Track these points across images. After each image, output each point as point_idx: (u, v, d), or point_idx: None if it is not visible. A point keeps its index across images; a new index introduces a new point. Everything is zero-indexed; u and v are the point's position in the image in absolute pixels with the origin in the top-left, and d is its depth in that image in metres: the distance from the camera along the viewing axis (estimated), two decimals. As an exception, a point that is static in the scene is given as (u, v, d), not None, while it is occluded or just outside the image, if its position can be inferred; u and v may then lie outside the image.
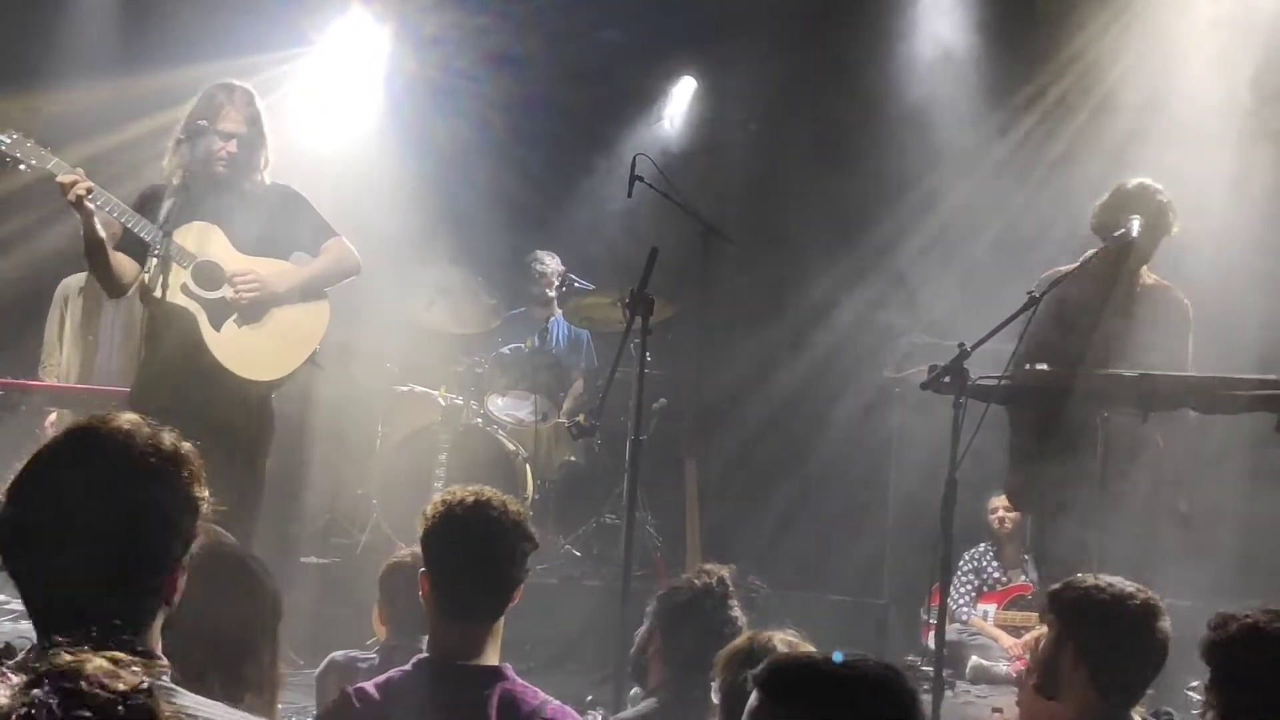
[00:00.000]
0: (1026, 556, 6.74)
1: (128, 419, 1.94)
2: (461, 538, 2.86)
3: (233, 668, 2.61)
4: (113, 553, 1.85)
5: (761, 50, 8.31)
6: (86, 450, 1.90)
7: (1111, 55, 6.91)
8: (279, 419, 5.10)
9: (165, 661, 1.47)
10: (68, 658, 1.38)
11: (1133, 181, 5.03)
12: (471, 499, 2.91)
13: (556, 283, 7.86)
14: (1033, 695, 3.06)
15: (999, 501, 6.74)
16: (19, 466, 1.90)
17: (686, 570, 6.32)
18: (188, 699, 1.83)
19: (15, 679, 1.37)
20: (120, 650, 1.66)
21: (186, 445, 1.95)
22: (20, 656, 1.42)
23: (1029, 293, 4.37)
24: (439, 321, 7.11)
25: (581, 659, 6.14)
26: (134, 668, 1.39)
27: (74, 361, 6.80)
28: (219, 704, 1.93)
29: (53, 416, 6.66)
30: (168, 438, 1.94)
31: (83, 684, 1.36)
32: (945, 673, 5.06)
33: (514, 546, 2.89)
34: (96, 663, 1.37)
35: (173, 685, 1.84)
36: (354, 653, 3.99)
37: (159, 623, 1.93)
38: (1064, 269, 4.85)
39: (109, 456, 1.88)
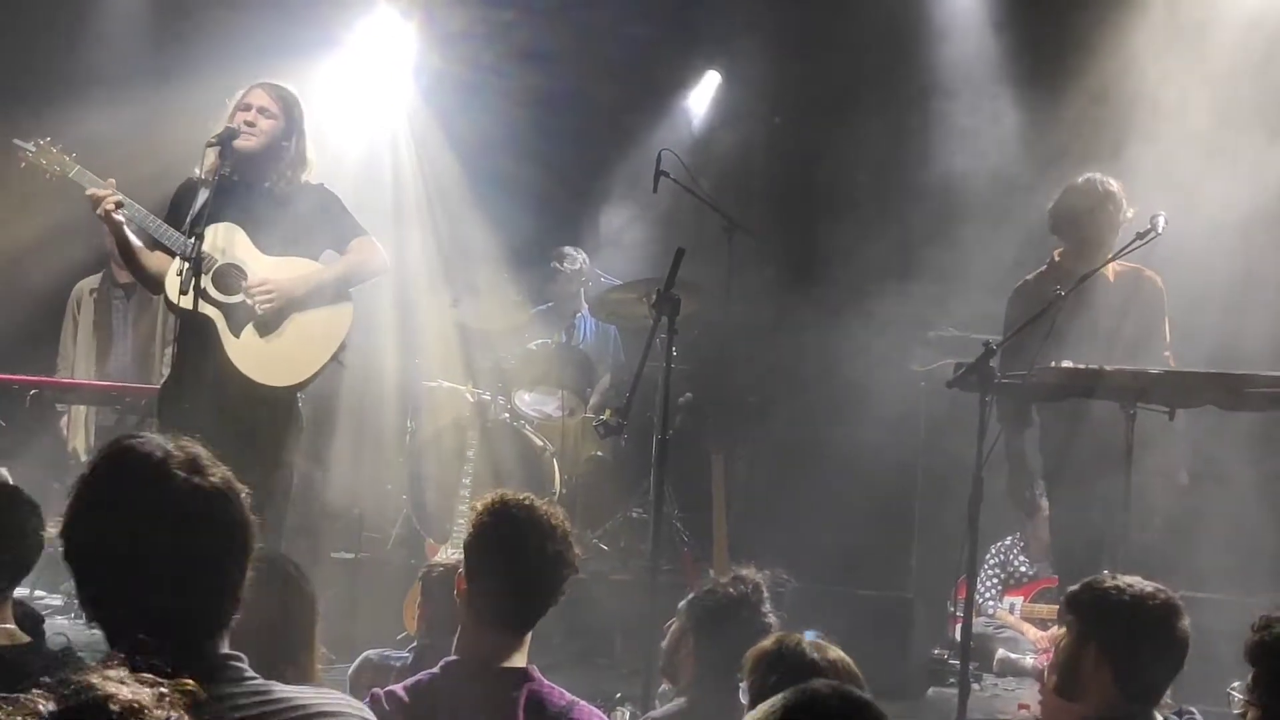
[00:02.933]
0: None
1: (155, 440, 1.95)
2: (508, 554, 2.89)
3: (272, 669, 2.66)
4: (188, 577, 1.87)
5: (787, 43, 8.31)
6: (117, 470, 1.91)
7: (1139, 51, 6.87)
8: (307, 417, 5.16)
9: (191, 684, 1.49)
10: (94, 679, 1.39)
11: (1080, 178, 5.19)
12: (525, 515, 2.92)
13: (583, 278, 7.90)
14: (1053, 697, 3.07)
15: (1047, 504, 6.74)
16: (72, 488, 1.92)
17: (714, 565, 6.38)
18: (280, 689, 1.89)
19: (45, 706, 1.38)
20: (197, 658, 1.72)
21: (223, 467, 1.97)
22: (55, 680, 1.43)
23: (1055, 289, 4.38)
24: (466, 317, 7.16)
25: (609, 654, 6.18)
26: (160, 688, 1.41)
27: (89, 360, 6.89)
28: (308, 688, 1.99)
29: (66, 418, 6.76)
30: (198, 458, 1.95)
31: None
32: (971, 666, 5.08)
33: (559, 573, 2.92)
34: (124, 695, 1.38)
35: (257, 679, 1.90)
36: (387, 651, 4.04)
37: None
38: (1033, 275, 4.93)
39: (142, 476, 1.89)
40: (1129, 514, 4.47)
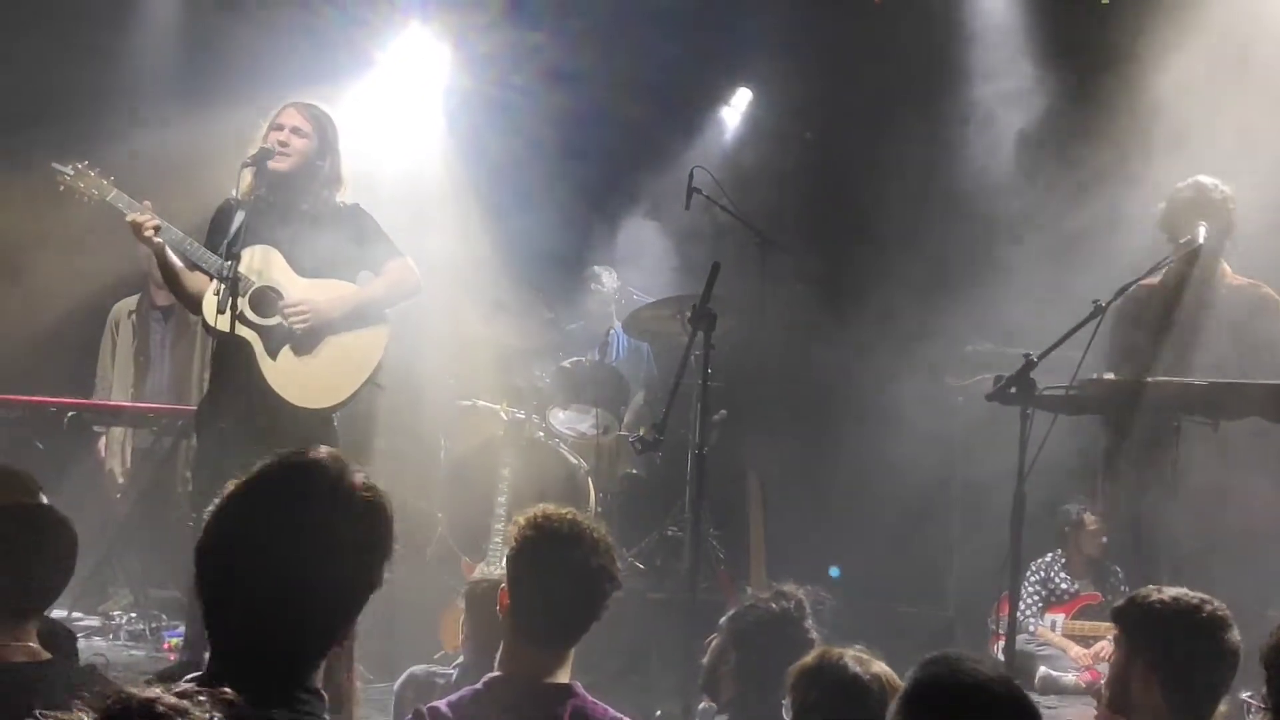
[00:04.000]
0: (1116, 568, 6.67)
1: (331, 454, 1.94)
2: (551, 568, 2.87)
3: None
4: (312, 589, 1.85)
5: (818, 60, 8.30)
6: (298, 480, 1.90)
7: (1178, 64, 6.83)
8: (342, 436, 5.16)
9: (229, 693, 1.48)
10: (135, 691, 1.39)
11: (1188, 182, 5.04)
12: (567, 529, 2.90)
13: (615, 296, 7.90)
14: (1107, 713, 3.04)
15: (1091, 520, 6.68)
16: (223, 495, 1.90)
17: (751, 582, 6.35)
18: None
19: (88, 717, 1.38)
20: (290, 688, 1.71)
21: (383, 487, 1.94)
22: (112, 693, 1.43)
23: (1095, 301, 4.33)
24: (499, 336, 7.16)
25: (646, 672, 6.13)
26: (199, 695, 1.41)
27: (127, 382, 6.93)
28: None
29: (104, 439, 6.78)
30: (367, 477, 1.93)
31: None
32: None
33: (602, 588, 2.91)
34: (167, 700, 1.39)
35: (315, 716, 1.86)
36: (434, 667, 4.03)
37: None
38: (1140, 280, 4.83)
39: (324, 487, 1.88)
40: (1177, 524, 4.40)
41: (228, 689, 1.56)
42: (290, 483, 1.90)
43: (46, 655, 2.95)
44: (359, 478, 1.92)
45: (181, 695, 1.41)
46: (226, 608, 1.84)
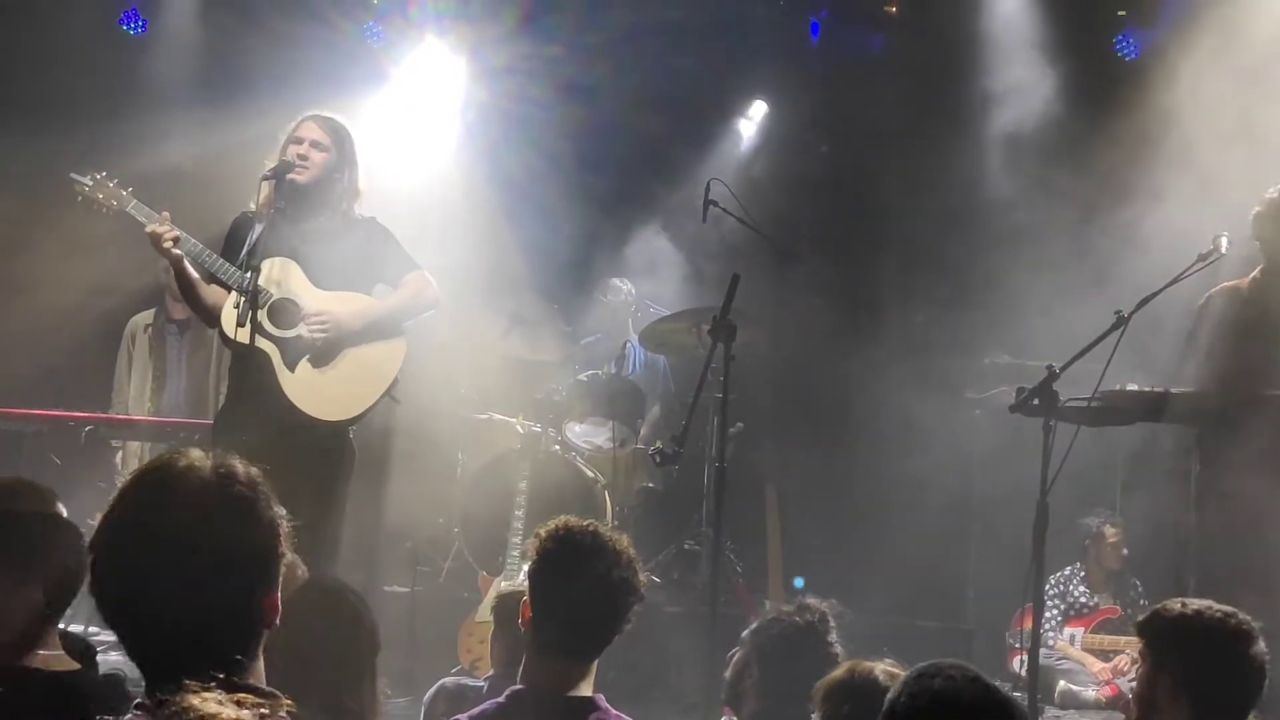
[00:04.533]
0: (1136, 581, 6.64)
1: (195, 453, 1.92)
2: (572, 580, 2.85)
3: (334, 699, 2.64)
4: (210, 588, 1.83)
5: (833, 72, 8.30)
6: (164, 488, 1.88)
7: (1192, 75, 6.82)
8: (360, 450, 5.15)
9: (288, 701, 1.48)
10: (195, 701, 1.38)
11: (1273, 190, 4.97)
12: (589, 541, 2.89)
13: (631, 309, 7.89)
14: (1134, 729, 3.01)
15: (1112, 532, 6.65)
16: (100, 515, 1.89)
17: (769, 596, 6.33)
18: None
19: None
20: (234, 689, 1.67)
21: (254, 469, 1.93)
22: (146, 699, 1.42)
23: (1117, 313, 4.30)
24: (516, 349, 7.16)
25: (665, 687, 6.11)
26: (261, 709, 1.40)
27: (142, 395, 6.92)
28: None
29: (121, 454, 6.77)
30: (239, 464, 1.91)
31: None
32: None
33: (625, 600, 2.89)
34: (226, 715, 1.38)
35: None
36: (464, 679, 4.02)
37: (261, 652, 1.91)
38: (1229, 284, 4.79)
39: (188, 492, 1.86)
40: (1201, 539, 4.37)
41: (287, 700, 1.55)
42: (155, 489, 1.89)
43: (75, 664, 2.95)
44: (222, 468, 1.89)
45: (240, 705, 1.40)
46: (123, 617, 1.83)
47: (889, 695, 2.16)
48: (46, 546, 2.97)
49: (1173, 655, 2.99)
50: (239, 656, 1.79)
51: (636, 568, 2.93)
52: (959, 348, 7.54)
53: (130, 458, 6.87)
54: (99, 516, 1.89)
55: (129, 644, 1.83)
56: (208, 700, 1.39)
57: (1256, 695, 3.00)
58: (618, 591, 2.88)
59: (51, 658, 2.88)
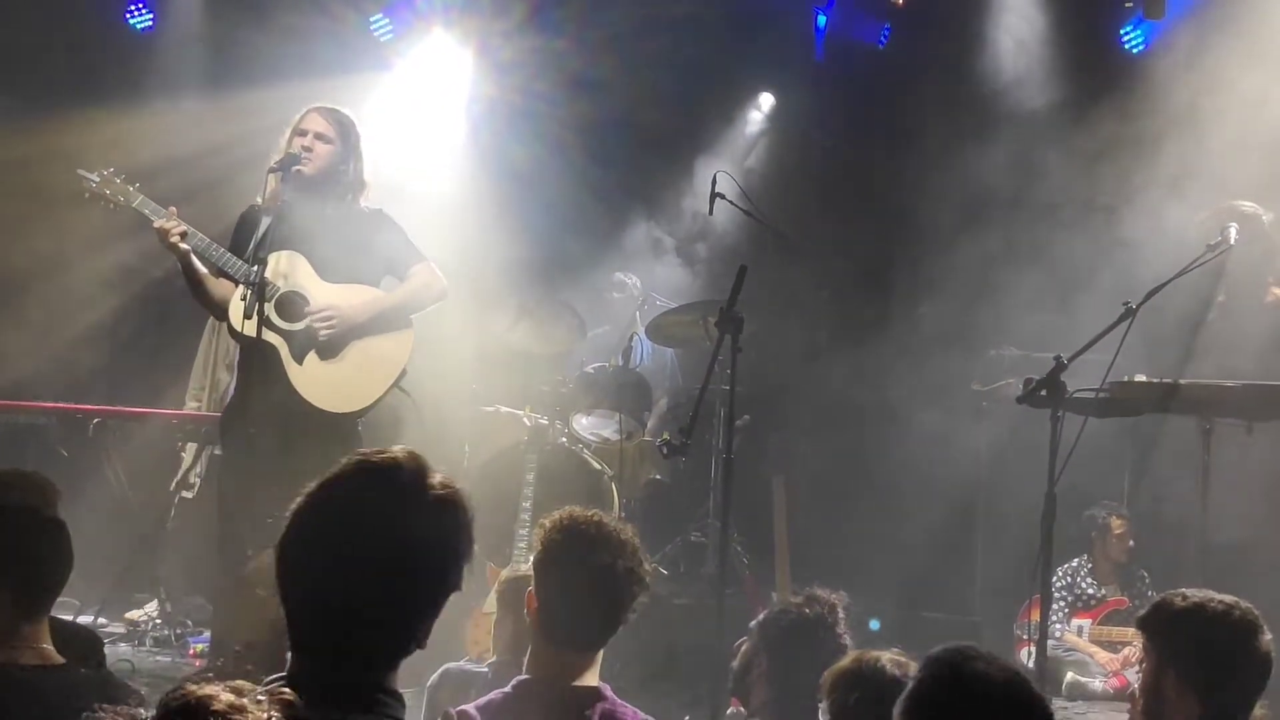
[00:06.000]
0: (1144, 573, 6.63)
1: (409, 453, 1.94)
2: (577, 570, 2.86)
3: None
4: (394, 585, 1.86)
5: (840, 65, 8.29)
6: (374, 480, 1.89)
7: (1203, 67, 6.80)
8: (368, 442, 5.16)
9: (287, 691, 1.48)
10: (193, 687, 1.39)
11: (1235, 203, 5.07)
12: (594, 531, 2.89)
13: (638, 302, 7.89)
14: (1141, 718, 3.01)
15: (1119, 523, 6.64)
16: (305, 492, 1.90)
17: (776, 589, 6.32)
18: None
19: (145, 715, 1.39)
20: (368, 688, 1.72)
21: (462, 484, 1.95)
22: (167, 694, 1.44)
23: (1125, 304, 4.30)
24: (523, 342, 7.16)
25: (672, 678, 6.10)
26: (258, 695, 1.41)
27: (215, 386, 6.89)
28: None
29: (191, 449, 6.74)
30: (445, 475, 1.94)
31: None
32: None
33: (630, 590, 2.89)
34: (224, 698, 1.38)
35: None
36: (467, 665, 4.02)
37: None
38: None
39: (400, 487, 1.89)
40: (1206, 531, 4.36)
41: (288, 689, 1.56)
42: (367, 483, 1.90)
43: (60, 660, 2.94)
44: (437, 478, 1.93)
45: (238, 692, 1.41)
46: (305, 607, 1.85)
47: (914, 673, 2.18)
48: (20, 544, 2.96)
49: (1178, 649, 2.99)
50: (378, 660, 1.84)
51: (641, 558, 2.93)
52: (966, 339, 7.53)
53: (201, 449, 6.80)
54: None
55: (308, 638, 1.83)
56: (206, 686, 1.40)
57: (1263, 684, 3.00)
58: (622, 581, 2.88)
59: (32, 653, 2.88)
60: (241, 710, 1.39)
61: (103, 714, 1.39)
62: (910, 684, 2.18)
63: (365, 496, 1.88)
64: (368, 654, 1.83)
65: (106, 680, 3.02)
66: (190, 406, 6.85)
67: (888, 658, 2.75)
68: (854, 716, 2.67)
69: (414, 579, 1.87)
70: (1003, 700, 2.10)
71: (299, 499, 1.90)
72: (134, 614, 6.50)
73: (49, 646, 2.93)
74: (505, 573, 5.95)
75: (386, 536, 1.85)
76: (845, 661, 2.81)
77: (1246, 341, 4.91)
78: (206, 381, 6.89)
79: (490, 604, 5.64)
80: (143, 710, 1.39)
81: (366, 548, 1.83)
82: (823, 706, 2.75)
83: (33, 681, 2.81)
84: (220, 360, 6.82)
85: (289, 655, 1.87)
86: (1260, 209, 5.08)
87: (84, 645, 3.28)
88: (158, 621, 6.42)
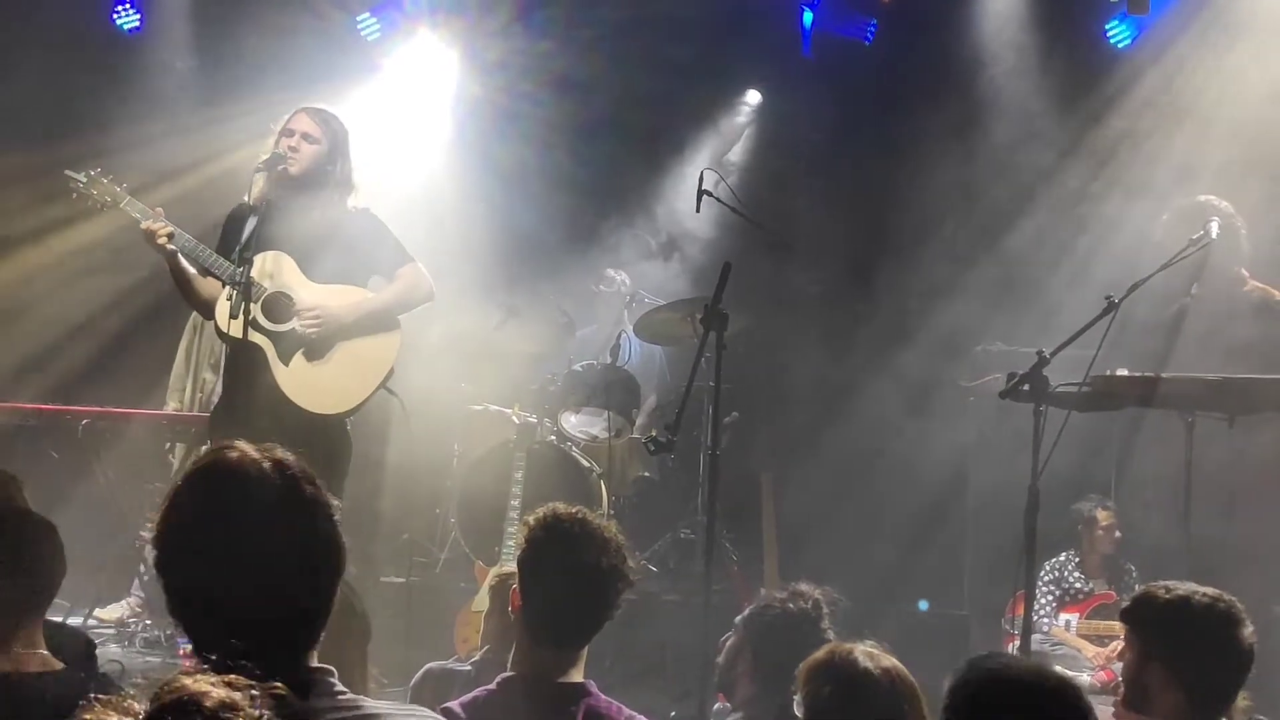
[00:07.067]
0: (1130, 567, 6.65)
1: (244, 446, 1.94)
2: (561, 567, 2.87)
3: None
4: (284, 586, 1.87)
5: (827, 63, 8.30)
6: (226, 481, 1.90)
7: (1184, 65, 6.84)
8: (355, 442, 5.17)
9: (279, 685, 1.50)
10: (187, 682, 1.40)
11: (1196, 198, 5.12)
12: (577, 528, 2.90)
13: (626, 299, 7.90)
14: (1124, 710, 3.03)
15: (1105, 515, 6.66)
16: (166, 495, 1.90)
17: (765, 584, 6.34)
18: (369, 704, 1.91)
19: (140, 707, 1.39)
20: (289, 670, 1.71)
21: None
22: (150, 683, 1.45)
23: (1108, 298, 4.32)
24: (511, 341, 7.17)
25: (661, 674, 6.13)
26: (251, 690, 1.42)
27: (201, 386, 6.89)
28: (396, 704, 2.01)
29: (179, 449, 6.74)
30: (290, 455, 1.95)
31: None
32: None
33: (614, 586, 2.91)
34: (217, 694, 1.40)
35: (348, 693, 1.90)
36: (449, 664, 4.03)
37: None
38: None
39: (250, 484, 1.89)
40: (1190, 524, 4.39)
41: (278, 685, 1.58)
42: (210, 476, 1.90)
43: (59, 665, 2.95)
44: (283, 467, 1.92)
45: (232, 686, 1.42)
46: (186, 607, 1.86)
47: (953, 676, 2.24)
48: (17, 548, 2.97)
49: (1162, 643, 3.01)
50: (297, 656, 1.84)
51: (626, 554, 2.95)
52: (953, 335, 7.55)
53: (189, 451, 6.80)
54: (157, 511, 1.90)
55: (197, 636, 1.85)
56: (199, 681, 1.41)
57: (1245, 675, 3.02)
58: (607, 578, 2.90)
59: (34, 659, 2.89)
60: (234, 708, 1.40)
61: (98, 704, 1.40)
62: (955, 684, 2.23)
63: (211, 501, 1.89)
64: (275, 646, 1.83)
65: (105, 684, 3.03)
66: (170, 406, 6.83)
67: (861, 650, 2.76)
68: (827, 709, 2.68)
69: (292, 576, 1.87)
70: (1041, 691, 2.16)
71: (165, 499, 1.90)
72: (102, 612, 6.49)
73: (46, 651, 2.94)
74: (495, 570, 5.96)
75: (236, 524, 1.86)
76: (819, 654, 2.82)
77: (1223, 333, 4.95)
78: (188, 381, 6.88)
79: (479, 602, 5.66)
80: (135, 704, 1.40)
81: (240, 549, 1.84)
82: (797, 699, 2.76)
83: (38, 688, 2.82)
84: (204, 360, 6.82)
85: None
86: (1218, 200, 5.13)
87: (78, 648, 3.28)
88: (148, 622, 6.42)
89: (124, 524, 6.37)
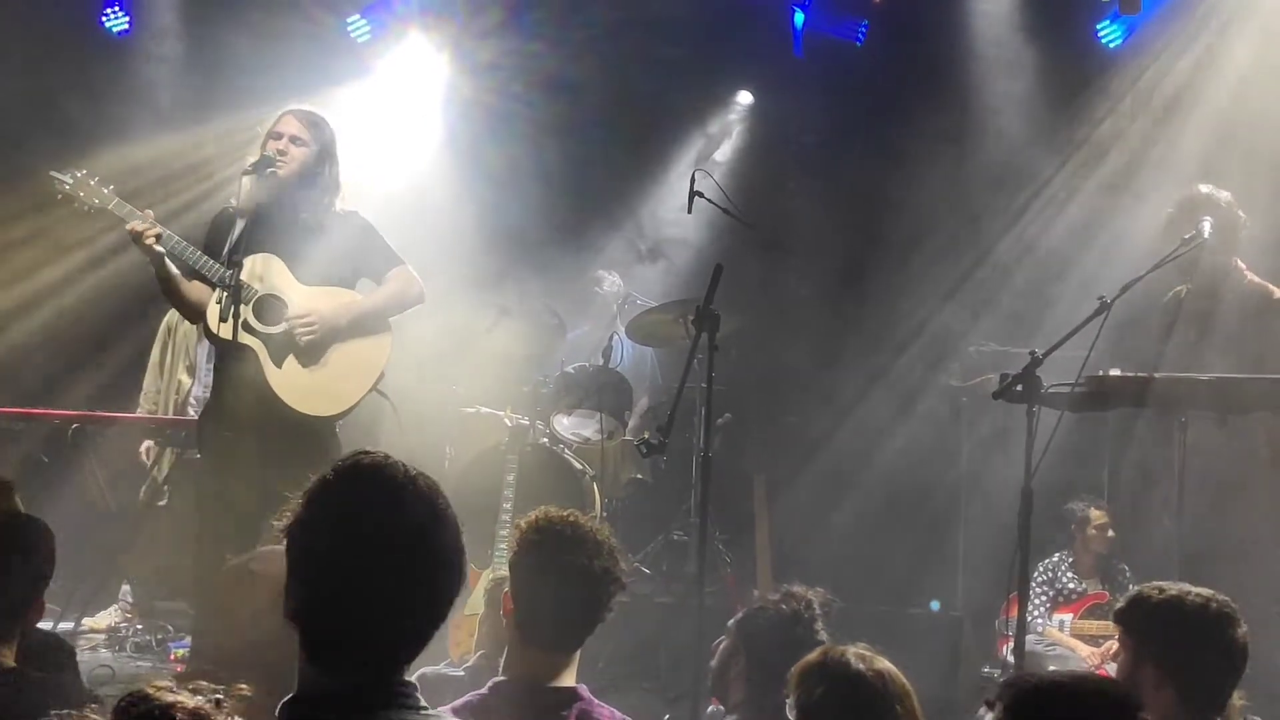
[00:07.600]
0: (1124, 567, 6.64)
1: (387, 455, 1.95)
2: (553, 571, 2.86)
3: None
4: (404, 590, 1.87)
5: (817, 61, 8.30)
6: (370, 486, 1.90)
7: (1175, 65, 6.85)
8: (347, 445, 5.14)
9: (243, 686, 1.48)
10: (150, 691, 1.39)
11: (1196, 189, 5.10)
12: (569, 531, 2.89)
13: (618, 301, 7.89)
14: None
15: (1098, 515, 6.65)
16: (304, 499, 1.88)
17: (757, 586, 6.33)
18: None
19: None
20: (382, 681, 1.73)
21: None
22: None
23: (1100, 298, 4.31)
24: (502, 343, 7.15)
25: (654, 677, 6.12)
26: (217, 694, 1.41)
27: (177, 389, 6.87)
28: None
29: (146, 444, 6.72)
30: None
31: None
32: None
33: (606, 589, 2.89)
34: (187, 702, 1.38)
35: (430, 709, 1.89)
36: (443, 669, 4.02)
37: None
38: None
39: (391, 491, 1.90)
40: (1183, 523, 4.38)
41: (243, 685, 1.56)
42: (366, 487, 1.91)
43: (11, 664, 2.94)
44: (421, 476, 1.95)
45: (197, 692, 1.40)
46: (326, 609, 1.83)
47: (1001, 692, 2.24)
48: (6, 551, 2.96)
49: (1156, 643, 3.01)
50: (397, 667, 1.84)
51: (618, 557, 2.93)
52: (946, 336, 7.55)
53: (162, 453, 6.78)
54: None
55: (313, 638, 1.80)
56: (163, 690, 1.40)
57: (1239, 675, 3.02)
58: (599, 581, 2.88)
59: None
60: (206, 717, 1.38)
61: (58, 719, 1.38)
62: (1006, 700, 2.22)
63: (367, 493, 1.88)
64: (387, 656, 1.82)
65: (62, 685, 3.01)
66: (144, 409, 6.81)
67: (854, 652, 2.76)
68: (819, 711, 2.67)
69: (428, 579, 1.89)
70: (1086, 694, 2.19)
71: (296, 509, 1.89)
72: (92, 621, 6.46)
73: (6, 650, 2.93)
74: (488, 573, 5.95)
75: (394, 529, 1.85)
76: (812, 656, 2.81)
77: (1214, 327, 4.96)
78: (163, 384, 6.86)
79: (472, 606, 5.64)
80: (99, 718, 1.38)
81: (376, 543, 1.84)
82: (790, 701, 2.75)
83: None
84: (179, 362, 6.80)
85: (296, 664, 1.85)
86: (1218, 190, 5.13)
87: (56, 654, 3.26)
88: (139, 627, 6.40)
89: (115, 528, 6.35)
